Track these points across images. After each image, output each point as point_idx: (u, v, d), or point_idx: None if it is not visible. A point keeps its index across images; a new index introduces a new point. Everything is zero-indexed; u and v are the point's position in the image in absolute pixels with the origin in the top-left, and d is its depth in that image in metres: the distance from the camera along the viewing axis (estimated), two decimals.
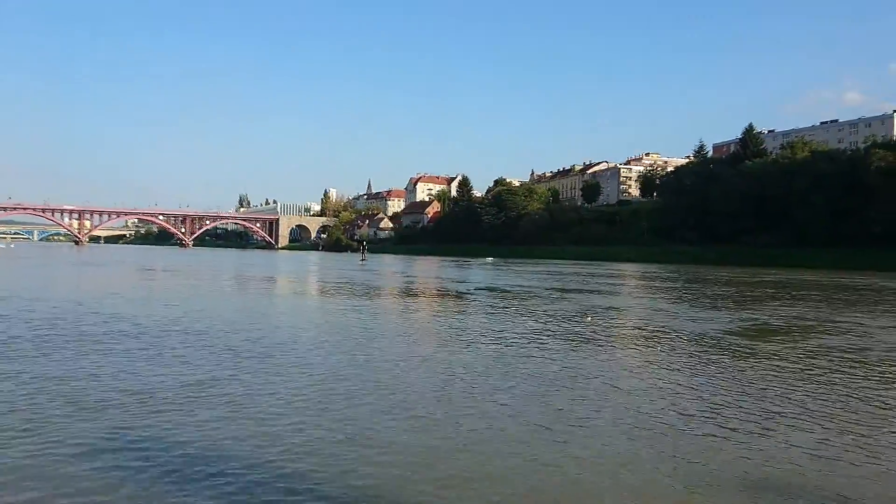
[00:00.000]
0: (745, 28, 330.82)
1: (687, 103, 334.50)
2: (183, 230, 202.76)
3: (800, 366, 8.81)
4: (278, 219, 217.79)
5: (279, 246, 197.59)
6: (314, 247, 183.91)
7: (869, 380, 8.02)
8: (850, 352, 10.15)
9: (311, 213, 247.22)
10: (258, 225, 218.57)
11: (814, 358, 9.47)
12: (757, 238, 77.97)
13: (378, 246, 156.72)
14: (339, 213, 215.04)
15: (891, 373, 8.58)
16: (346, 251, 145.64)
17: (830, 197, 73.62)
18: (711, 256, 74.54)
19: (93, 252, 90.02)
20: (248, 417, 5.66)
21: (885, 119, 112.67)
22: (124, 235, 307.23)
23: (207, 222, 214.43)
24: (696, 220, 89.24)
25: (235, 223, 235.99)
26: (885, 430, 5.89)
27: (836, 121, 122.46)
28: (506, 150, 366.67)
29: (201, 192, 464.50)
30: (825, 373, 8.35)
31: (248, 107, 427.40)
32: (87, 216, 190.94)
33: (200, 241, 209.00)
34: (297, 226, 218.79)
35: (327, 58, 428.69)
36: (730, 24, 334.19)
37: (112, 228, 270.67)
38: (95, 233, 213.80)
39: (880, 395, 7.15)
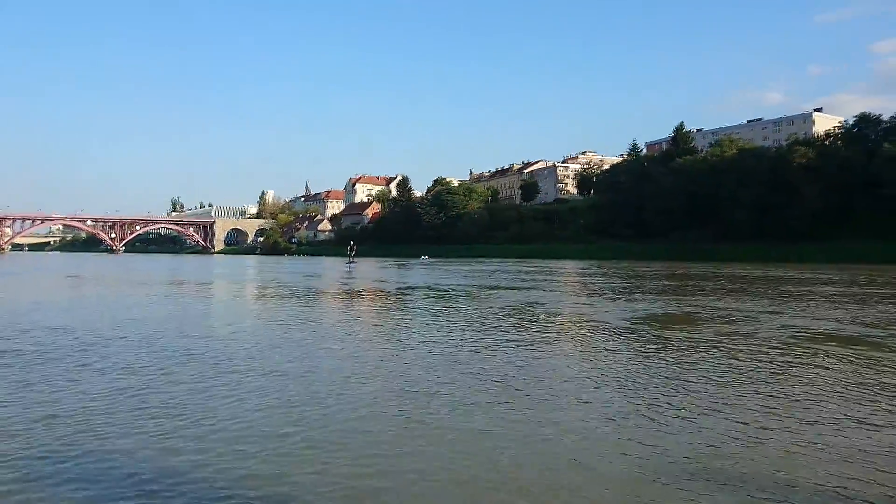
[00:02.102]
0: (674, 29, 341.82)
1: (621, 102, 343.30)
2: (112, 236, 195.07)
3: (723, 351, 8.65)
4: (213, 222, 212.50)
5: (215, 250, 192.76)
6: (251, 250, 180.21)
7: (768, 364, 7.90)
8: (746, 336, 10.18)
9: (248, 216, 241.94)
10: (192, 229, 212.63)
11: (727, 344, 9.38)
12: (688, 233, 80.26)
13: (317, 248, 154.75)
14: (277, 215, 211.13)
15: (778, 354, 8.71)
16: (285, 254, 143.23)
17: (756, 193, 76.50)
18: (645, 252, 76.19)
19: (13, 260, 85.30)
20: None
21: (805, 118, 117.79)
22: (49, 242, 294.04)
23: (139, 227, 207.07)
24: (631, 217, 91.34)
25: (168, 228, 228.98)
26: (792, 408, 5.88)
27: (761, 119, 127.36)
28: (445, 150, 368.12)
29: (132, 196, 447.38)
30: (729, 357, 8.24)
31: (179, 109, 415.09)
32: (8, 223, 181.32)
33: (131, 247, 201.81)
34: (233, 229, 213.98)
35: (260, 58, 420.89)
36: (658, 25, 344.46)
37: (36, 235, 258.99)
38: (18, 240, 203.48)
39: (780, 377, 7.13)
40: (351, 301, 19.10)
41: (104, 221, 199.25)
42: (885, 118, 78.78)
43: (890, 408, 5.96)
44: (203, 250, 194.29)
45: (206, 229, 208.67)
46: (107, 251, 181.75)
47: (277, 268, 50.52)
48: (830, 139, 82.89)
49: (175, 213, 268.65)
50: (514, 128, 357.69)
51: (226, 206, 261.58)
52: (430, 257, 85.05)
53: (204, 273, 40.76)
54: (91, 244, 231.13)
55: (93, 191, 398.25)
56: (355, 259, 54.98)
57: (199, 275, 37.75)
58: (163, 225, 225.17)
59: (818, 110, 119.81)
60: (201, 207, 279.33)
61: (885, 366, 8.01)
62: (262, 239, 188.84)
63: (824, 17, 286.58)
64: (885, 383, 6.99)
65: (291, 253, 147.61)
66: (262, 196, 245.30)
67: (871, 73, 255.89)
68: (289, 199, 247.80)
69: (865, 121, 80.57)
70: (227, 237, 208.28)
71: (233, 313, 15.65)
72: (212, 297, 21.35)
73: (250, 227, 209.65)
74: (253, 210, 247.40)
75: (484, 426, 5.33)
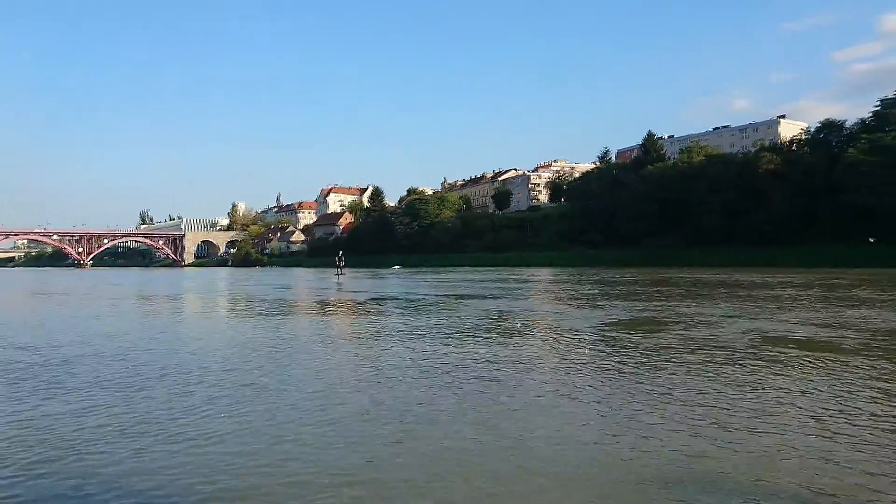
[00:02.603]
0: (642, 39, 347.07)
1: (592, 110, 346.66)
2: (79, 250, 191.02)
3: (693, 358, 8.56)
4: (184, 235, 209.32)
5: (185, 263, 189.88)
6: (222, 262, 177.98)
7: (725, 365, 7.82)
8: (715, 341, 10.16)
9: (219, 227, 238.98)
10: (162, 242, 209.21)
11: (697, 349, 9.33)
12: (660, 240, 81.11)
13: (289, 259, 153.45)
14: (249, 226, 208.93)
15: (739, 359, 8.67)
16: (256, 266, 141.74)
17: (725, 199, 77.66)
18: (618, 258, 76.70)
19: None
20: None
21: (771, 124, 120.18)
22: (14, 258, 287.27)
23: (107, 241, 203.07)
24: (603, 224, 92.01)
25: (137, 241, 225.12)
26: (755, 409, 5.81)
27: (728, 126, 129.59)
28: (417, 160, 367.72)
29: (100, 209, 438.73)
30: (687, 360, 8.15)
31: (147, 120, 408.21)
32: None
33: (99, 262, 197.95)
34: (203, 241, 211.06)
35: (229, 68, 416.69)
36: (626, 34, 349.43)
37: (0, 251, 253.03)
38: None
39: (738, 375, 7.05)
40: (324, 313, 18.75)
41: (71, 235, 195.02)
42: (848, 124, 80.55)
43: (853, 410, 5.99)
44: (173, 263, 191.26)
45: (176, 242, 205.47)
46: (74, 266, 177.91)
47: (249, 280, 49.78)
48: (795, 145, 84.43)
49: (144, 226, 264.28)
50: (487, 136, 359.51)
51: (196, 219, 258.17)
52: (402, 267, 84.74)
53: (173, 287, 39.93)
54: (57, 259, 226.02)
55: (59, 205, 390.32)
56: (344, 270, 49.76)
57: (168, 289, 36.96)
58: (131, 238, 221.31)
59: (783, 117, 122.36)
60: (171, 220, 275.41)
61: (842, 368, 8.12)
62: (233, 251, 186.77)
63: (788, 26, 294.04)
64: (845, 385, 7.02)
65: (263, 265, 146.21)
66: (233, 207, 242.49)
67: (832, 81, 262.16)
68: (260, 211, 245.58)
69: (828, 127, 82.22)
70: (197, 250, 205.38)
71: (204, 327, 15.22)
72: (182, 312, 20.80)
73: (221, 240, 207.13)
74: (224, 222, 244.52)
75: (459, 438, 5.23)
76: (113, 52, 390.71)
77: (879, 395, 6.53)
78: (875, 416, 5.76)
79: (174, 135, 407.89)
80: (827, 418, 5.65)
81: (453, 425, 5.60)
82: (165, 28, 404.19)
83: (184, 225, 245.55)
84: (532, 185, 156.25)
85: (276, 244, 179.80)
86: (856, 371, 7.85)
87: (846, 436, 5.16)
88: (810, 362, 8.50)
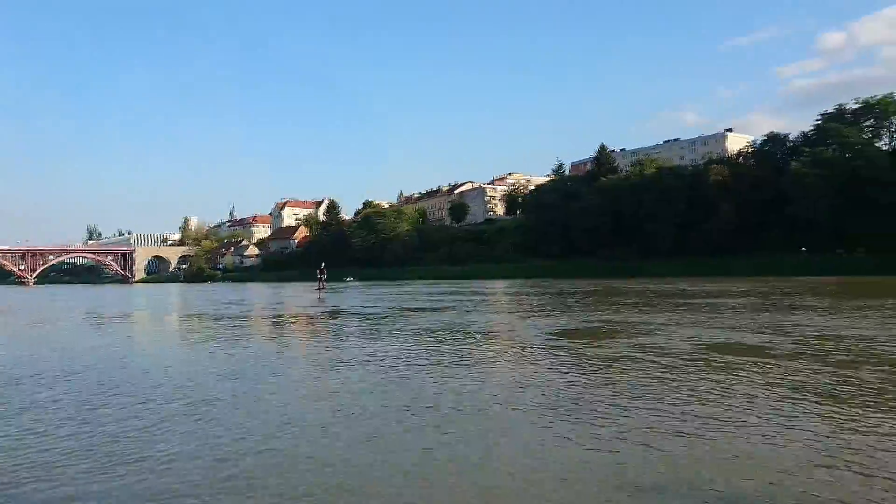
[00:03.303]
0: (595, 53, 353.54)
1: (545, 123, 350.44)
2: (23, 267, 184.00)
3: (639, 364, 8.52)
4: (133, 251, 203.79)
5: (135, 279, 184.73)
6: (174, 278, 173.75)
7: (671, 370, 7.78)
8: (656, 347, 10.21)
9: (170, 243, 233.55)
10: (111, 258, 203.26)
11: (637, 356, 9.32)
12: (614, 251, 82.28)
13: (243, 274, 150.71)
14: (201, 241, 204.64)
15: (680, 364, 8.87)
16: (209, 281, 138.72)
17: (676, 210, 79.40)
18: (573, 270, 77.32)
19: None
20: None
21: (719, 138, 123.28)
22: None
23: (52, 258, 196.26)
24: (559, 236, 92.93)
25: (85, 257, 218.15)
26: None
27: (678, 139, 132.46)
28: (373, 173, 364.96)
29: (45, 225, 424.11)
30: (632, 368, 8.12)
31: (92, 134, 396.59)
32: None
33: (44, 279, 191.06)
34: (154, 257, 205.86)
35: (176, 80, 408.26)
36: (577, 49, 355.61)
37: None
38: None
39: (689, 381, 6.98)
40: (280, 328, 18.31)
41: (14, 252, 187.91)
42: (791, 137, 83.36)
43: (793, 413, 6.14)
44: (122, 280, 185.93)
45: (126, 258, 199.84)
46: (17, 283, 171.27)
47: (201, 296, 48.56)
48: (742, 158, 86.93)
49: (92, 242, 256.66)
50: (442, 149, 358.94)
51: (146, 234, 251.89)
52: (354, 279, 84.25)
53: (122, 304, 38.60)
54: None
55: (1, 220, 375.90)
56: (325, 284, 46.29)
57: (116, 306, 35.68)
58: (78, 254, 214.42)
59: (731, 130, 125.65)
60: (120, 235, 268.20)
61: (778, 371, 8.37)
62: (185, 266, 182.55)
63: (734, 42, 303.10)
64: (786, 387, 7.13)
65: (216, 280, 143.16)
66: (185, 222, 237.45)
67: (777, 95, 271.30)
68: (213, 225, 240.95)
69: (773, 140, 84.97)
70: (148, 266, 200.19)
71: (152, 345, 14.62)
72: (130, 329, 19.95)
73: (173, 255, 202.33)
74: (175, 237, 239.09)
75: (420, 451, 5.19)
76: (56, 62, 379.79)
77: (800, 395, 6.67)
78: (809, 414, 5.94)
79: (122, 148, 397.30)
80: (766, 423, 5.72)
81: (410, 434, 5.57)
82: (105, 35, 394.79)
83: (133, 240, 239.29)
84: (488, 198, 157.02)
85: (229, 259, 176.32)
86: (790, 374, 8.07)
87: (787, 437, 5.27)
88: (746, 366, 8.76)
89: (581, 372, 8.64)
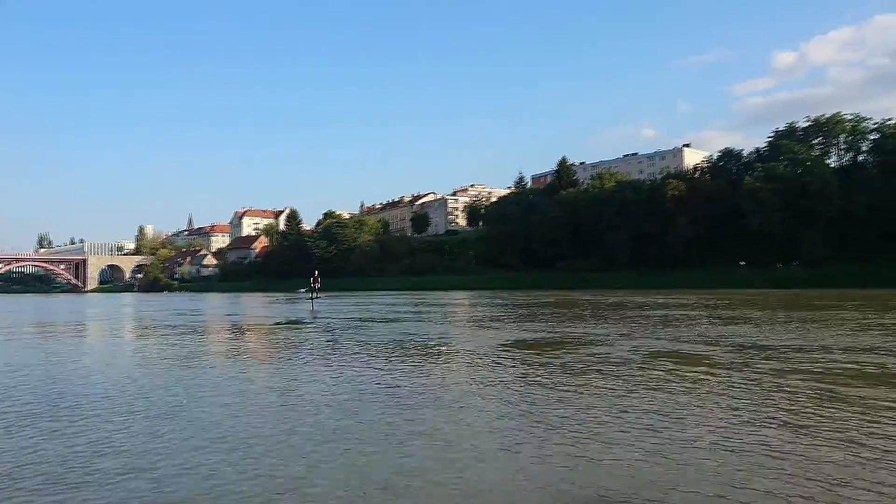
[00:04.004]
0: (557, 67, 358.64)
1: (507, 136, 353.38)
2: None
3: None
4: (86, 259, 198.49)
5: (88, 288, 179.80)
6: (129, 288, 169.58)
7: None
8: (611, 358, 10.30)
9: (125, 251, 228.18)
10: (62, 267, 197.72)
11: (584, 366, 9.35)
12: (573, 262, 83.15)
13: (200, 284, 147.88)
14: (157, 250, 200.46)
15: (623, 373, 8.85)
16: (164, 291, 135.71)
17: (635, 223, 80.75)
18: (533, 281, 77.78)
19: None
20: None
21: (676, 153, 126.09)
22: None
23: (0, 266, 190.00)
24: (520, 248, 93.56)
25: (35, 265, 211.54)
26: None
27: (636, 154, 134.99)
28: (335, 183, 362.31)
29: None
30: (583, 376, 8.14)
31: (45, 139, 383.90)
32: None
33: None
34: (108, 266, 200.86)
35: (134, 87, 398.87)
36: (539, 61, 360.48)
37: None
38: None
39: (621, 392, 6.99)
40: (237, 339, 17.84)
41: None
42: (745, 153, 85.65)
43: (733, 422, 6.18)
44: (74, 289, 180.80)
45: (79, 267, 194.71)
46: None
47: (156, 306, 47.27)
48: (699, 173, 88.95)
49: (43, 250, 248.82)
50: (404, 160, 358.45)
51: (100, 242, 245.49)
52: (306, 290, 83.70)
53: (73, 315, 37.26)
54: None
55: None
56: (320, 294, 40.98)
57: (66, 317, 34.43)
58: (28, 263, 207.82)
59: (687, 146, 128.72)
60: (73, 243, 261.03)
61: (715, 379, 8.57)
62: (140, 276, 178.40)
63: (690, 60, 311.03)
64: (724, 396, 7.17)
65: (172, 290, 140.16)
66: (141, 230, 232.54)
67: (732, 112, 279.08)
68: (170, 234, 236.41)
69: (728, 156, 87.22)
70: (101, 275, 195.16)
71: (102, 357, 13.97)
72: (81, 341, 19.16)
73: (127, 264, 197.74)
74: (131, 246, 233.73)
75: (375, 464, 5.01)
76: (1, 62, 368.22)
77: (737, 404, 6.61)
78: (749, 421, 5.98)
79: (75, 153, 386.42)
80: (707, 432, 5.71)
81: (365, 446, 5.49)
82: (55, 36, 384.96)
83: (87, 249, 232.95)
84: (450, 209, 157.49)
85: (186, 268, 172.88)
86: (727, 383, 8.23)
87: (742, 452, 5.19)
88: (686, 375, 9.03)
89: (525, 382, 8.64)
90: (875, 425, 5.93)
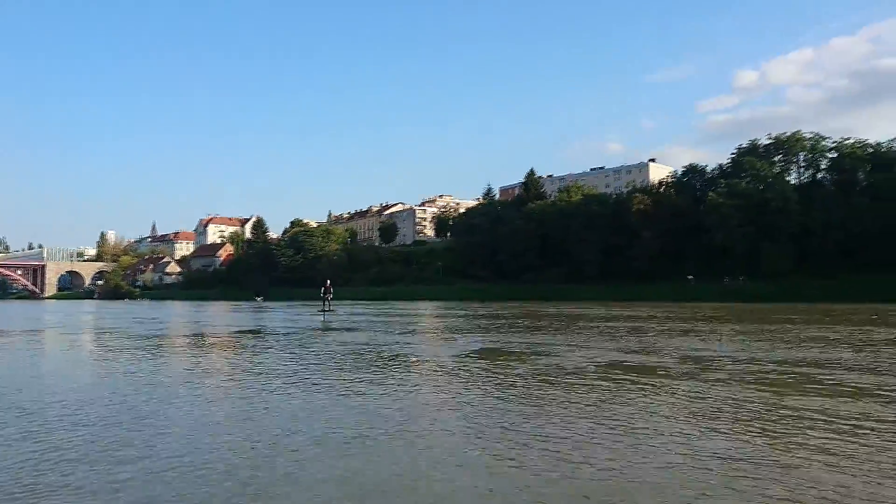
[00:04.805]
0: (526, 79, 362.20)
1: (475, 147, 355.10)
2: None
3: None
4: (45, 265, 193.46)
5: (46, 295, 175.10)
6: (89, 294, 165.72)
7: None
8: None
9: (86, 258, 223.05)
10: (19, 272, 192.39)
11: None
12: (540, 274, 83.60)
13: (163, 292, 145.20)
14: (119, 257, 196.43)
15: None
16: (125, 298, 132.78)
17: (601, 236, 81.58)
18: (500, 293, 77.85)
19: None
20: None
21: (642, 167, 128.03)
22: None
23: None
24: (487, 259, 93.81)
25: None
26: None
27: (603, 168, 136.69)
28: (302, 191, 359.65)
29: None
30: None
31: (4, 139, 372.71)
32: None
33: None
34: (68, 272, 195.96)
35: (97, 90, 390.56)
36: (511, 74, 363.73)
37: None
38: None
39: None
40: (199, 347, 17.36)
41: None
42: (709, 169, 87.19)
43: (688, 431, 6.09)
44: (32, 295, 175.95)
45: (36, 272, 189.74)
46: None
47: (114, 314, 46.07)
48: (664, 187, 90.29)
49: None
50: (373, 170, 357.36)
51: (60, 247, 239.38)
52: (264, 299, 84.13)
53: (29, 322, 36.05)
54: None
55: None
56: (332, 303, 37.98)
57: (21, 324, 33.27)
58: None
59: (653, 160, 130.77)
60: (31, 248, 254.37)
61: (668, 387, 8.55)
62: (101, 282, 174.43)
63: (657, 76, 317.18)
64: (676, 405, 7.13)
65: (133, 297, 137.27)
66: (103, 236, 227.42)
67: (695, 128, 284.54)
68: (133, 241, 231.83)
69: (692, 171, 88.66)
70: (60, 281, 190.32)
71: (60, 366, 13.43)
72: (40, 349, 18.43)
73: (88, 270, 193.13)
74: (92, 252, 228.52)
75: (346, 476, 4.84)
76: None
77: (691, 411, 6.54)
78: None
79: (34, 157, 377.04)
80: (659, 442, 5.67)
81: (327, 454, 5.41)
82: (34, 45, 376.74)
83: (45, 254, 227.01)
84: (418, 220, 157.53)
85: (149, 276, 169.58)
86: (682, 391, 8.24)
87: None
88: (637, 383, 9.18)
89: (485, 393, 8.53)
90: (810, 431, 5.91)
